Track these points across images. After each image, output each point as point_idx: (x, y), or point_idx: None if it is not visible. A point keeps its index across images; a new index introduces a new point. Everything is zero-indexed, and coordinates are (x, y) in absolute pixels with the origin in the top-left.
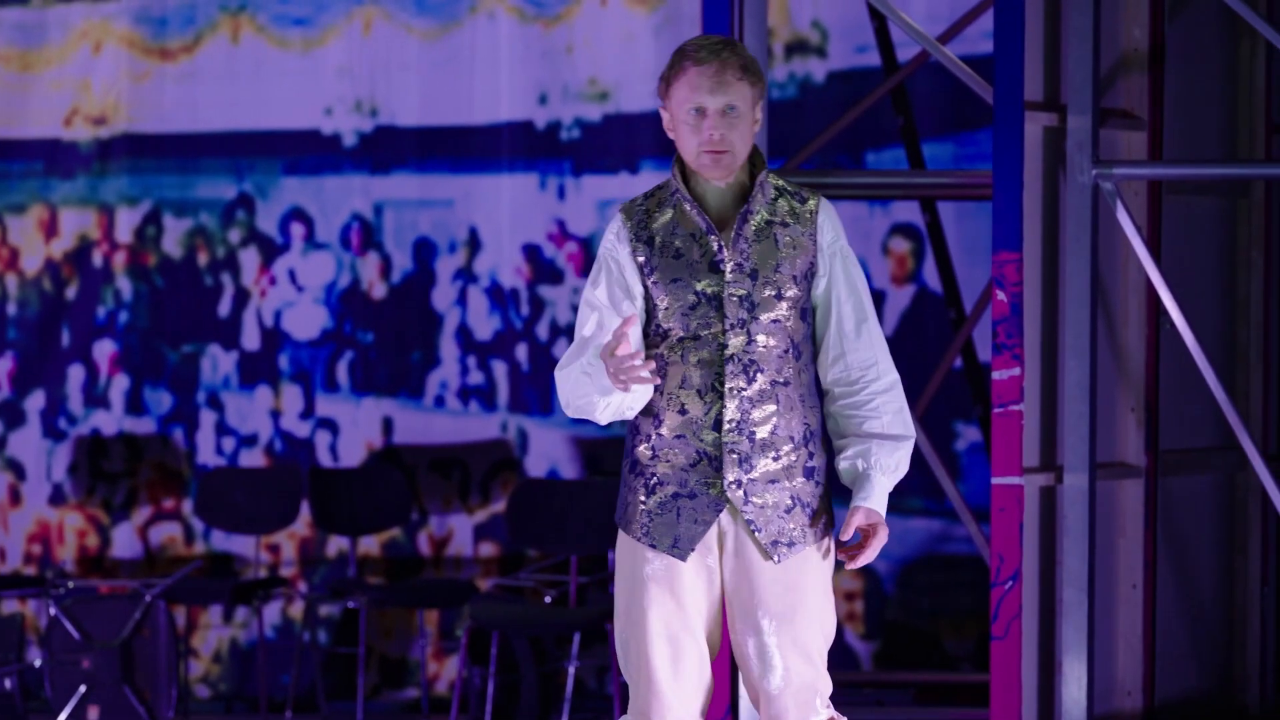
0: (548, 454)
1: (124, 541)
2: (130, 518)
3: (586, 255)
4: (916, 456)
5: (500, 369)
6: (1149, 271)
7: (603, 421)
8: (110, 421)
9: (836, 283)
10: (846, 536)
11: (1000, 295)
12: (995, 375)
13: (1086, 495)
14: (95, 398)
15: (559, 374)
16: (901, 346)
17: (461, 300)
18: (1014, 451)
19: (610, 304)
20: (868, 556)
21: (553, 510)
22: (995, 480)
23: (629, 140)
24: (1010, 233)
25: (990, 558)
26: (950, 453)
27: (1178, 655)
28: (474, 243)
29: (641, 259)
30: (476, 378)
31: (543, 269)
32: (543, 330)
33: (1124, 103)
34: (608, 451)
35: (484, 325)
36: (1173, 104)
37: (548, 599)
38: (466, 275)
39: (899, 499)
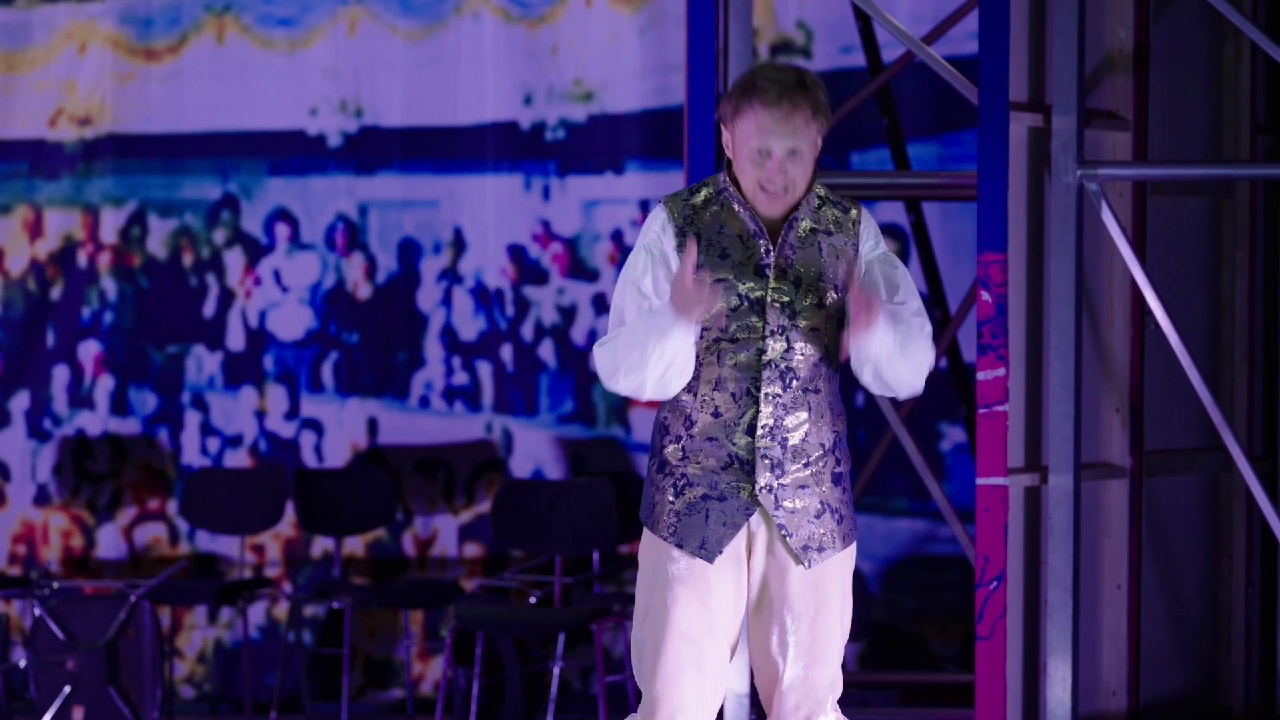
0: (532, 454)
1: (109, 542)
2: (115, 518)
3: (571, 255)
4: (900, 457)
5: (485, 369)
6: (1134, 272)
7: (648, 387)
8: (95, 422)
9: (874, 270)
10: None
11: (985, 296)
12: (980, 376)
13: (1071, 495)
14: (80, 398)
15: (600, 348)
16: None
17: (446, 301)
18: (999, 452)
19: (657, 294)
20: (866, 317)
21: (537, 511)
22: (980, 480)
23: (614, 140)
24: (995, 233)
25: (975, 558)
26: (935, 453)
27: (1162, 656)
28: (459, 243)
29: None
30: (461, 378)
31: (527, 269)
32: (528, 331)
33: (1109, 103)
34: (592, 452)
35: (469, 326)
36: (1158, 104)
37: (532, 599)
38: (451, 276)
39: (884, 499)
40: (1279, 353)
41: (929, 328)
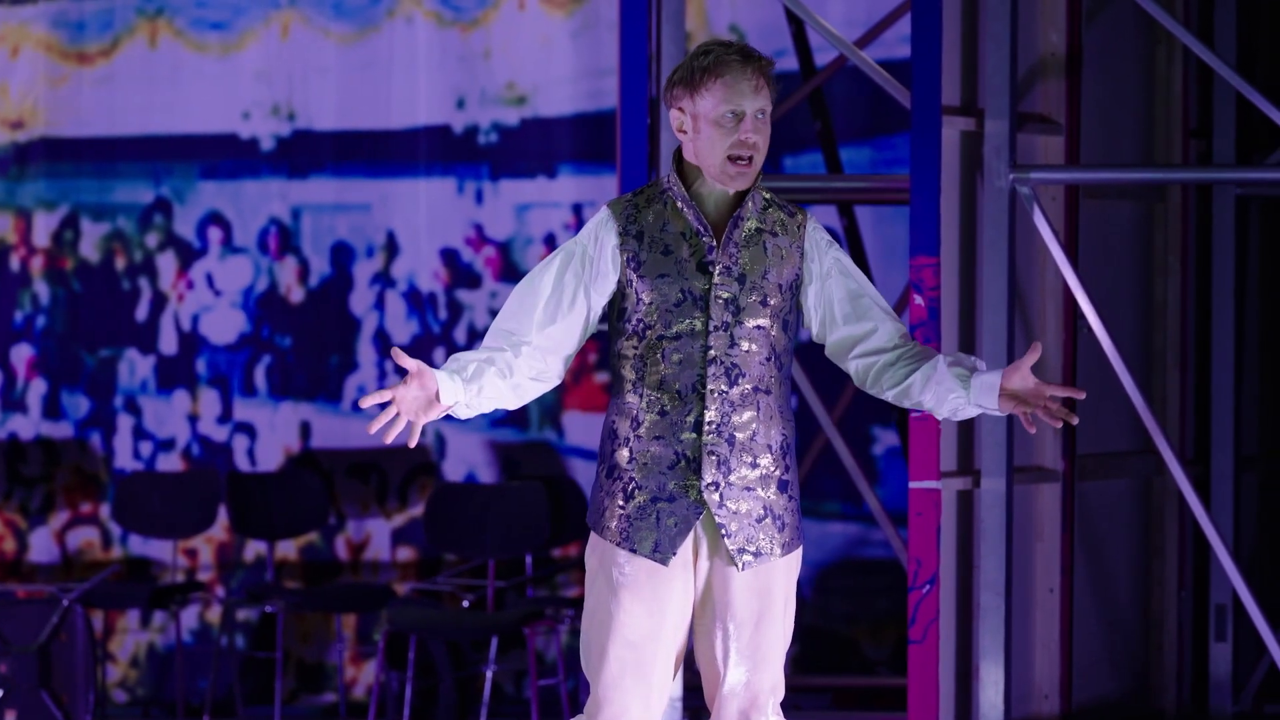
0: (465, 458)
1: (41, 546)
2: (47, 522)
3: (504, 259)
4: (833, 460)
5: None
6: (1066, 276)
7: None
8: (27, 426)
9: (842, 273)
10: (1058, 392)
11: (918, 299)
12: None
13: (1004, 499)
14: (12, 402)
15: None
16: (819, 350)
17: (379, 304)
18: (931, 456)
19: (553, 291)
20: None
21: (470, 514)
22: (913, 484)
23: (546, 144)
24: (927, 237)
25: (908, 562)
26: (868, 457)
27: (1095, 659)
28: (392, 247)
29: (628, 254)
30: (394, 382)
31: (460, 273)
32: (460, 334)
33: (1041, 107)
34: (525, 456)
35: (402, 329)
36: (1090, 109)
37: (465, 603)
38: (384, 279)
39: (817, 503)
40: (1211, 356)
41: None
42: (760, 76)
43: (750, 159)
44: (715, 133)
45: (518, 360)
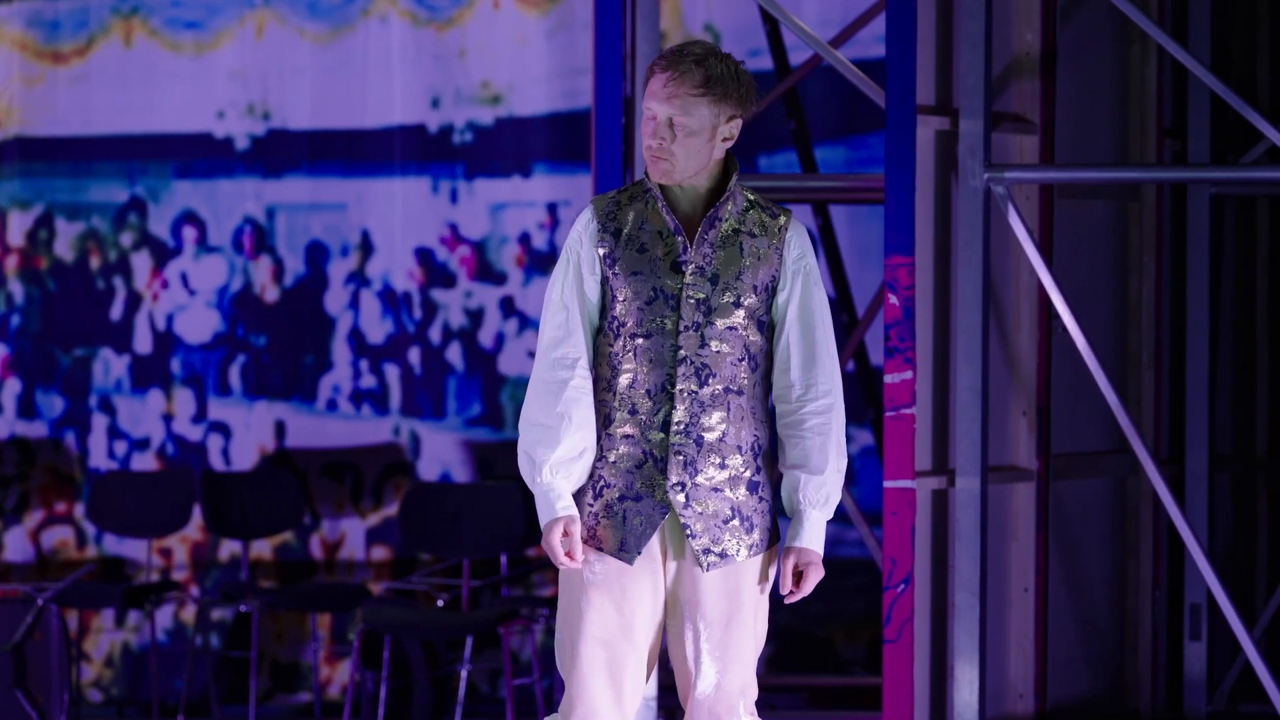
0: (440, 457)
1: (16, 545)
2: (22, 521)
3: (479, 258)
4: None
5: (393, 372)
6: (1041, 275)
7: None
8: (2, 425)
9: (795, 299)
10: (785, 585)
11: (892, 299)
12: (887, 379)
13: (978, 499)
14: None
15: (530, 390)
16: None
17: (354, 304)
18: (906, 455)
19: (564, 303)
20: (802, 593)
21: (445, 514)
22: (887, 484)
23: (521, 143)
24: (902, 236)
25: (882, 561)
26: None
27: (1069, 658)
28: (366, 246)
29: (604, 250)
30: (369, 381)
31: (435, 272)
32: (435, 334)
33: (1016, 107)
34: (500, 455)
35: (376, 329)
36: (1064, 108)
37: (440, 603)
38: (359, 279)
39: None
40: (1185, 356)
41: (835, 427)
42: (679, 84)
43: (662, 158)
44: (642, 128)
45: (587, 383)
